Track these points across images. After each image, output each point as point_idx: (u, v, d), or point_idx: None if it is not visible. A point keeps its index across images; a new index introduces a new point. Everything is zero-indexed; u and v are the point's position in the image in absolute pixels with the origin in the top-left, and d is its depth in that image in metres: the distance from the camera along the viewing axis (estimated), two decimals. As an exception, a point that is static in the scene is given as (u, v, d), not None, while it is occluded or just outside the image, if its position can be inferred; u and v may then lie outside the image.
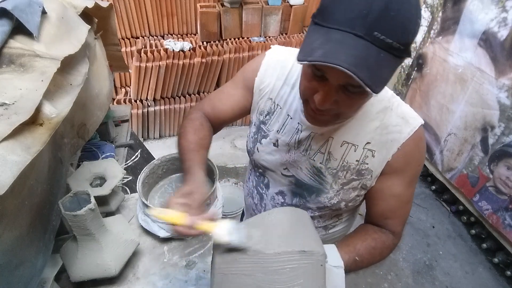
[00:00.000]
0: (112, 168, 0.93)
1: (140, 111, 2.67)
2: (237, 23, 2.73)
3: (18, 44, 0.66)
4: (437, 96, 2.26)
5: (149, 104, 2.68)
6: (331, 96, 0.56)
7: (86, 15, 1.01)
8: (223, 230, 0.57)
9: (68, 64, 0.76)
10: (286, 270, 0.53)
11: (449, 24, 2.14)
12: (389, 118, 0.69)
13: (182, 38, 2.76)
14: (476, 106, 1.98)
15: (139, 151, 1.27)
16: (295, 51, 0.76)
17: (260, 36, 2.86)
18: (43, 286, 0.70)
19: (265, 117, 0.81)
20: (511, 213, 1.83)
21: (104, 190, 0.86)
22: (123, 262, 0.75)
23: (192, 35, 2.85)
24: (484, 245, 2.09)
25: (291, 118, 0.76)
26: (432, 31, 2.29)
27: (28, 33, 0.69)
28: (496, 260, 2.00)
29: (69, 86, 0.74)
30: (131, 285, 0.78)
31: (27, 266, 0.61)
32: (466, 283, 1.97)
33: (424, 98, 2.38)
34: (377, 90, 0.48)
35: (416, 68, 2.47)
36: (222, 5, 2.68)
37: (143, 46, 2.49)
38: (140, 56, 2.38)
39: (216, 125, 0.89)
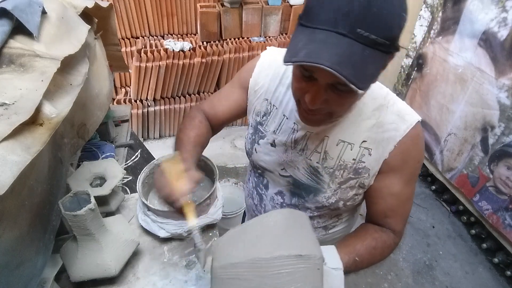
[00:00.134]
0: (112, 168, 0.93)
1: (140, 111, 2.67)
2: (237, 23, 2.73)
3: (18, 44, 0.66)
4: (437, 96, 2.26)
5: (149, 104, 2.68)
6: (321, 96, 0.56)
7: (86, 15, 1.01)
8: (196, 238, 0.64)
9: (68, 64, 0.76)
10: (283, 274, 0.52)
11: (449, 24, 2.14)
12: (384, 116, 0.69)
13: (182, 38, 2.76)
14: (476, 106, 1.98)
15: (139, 151, 1.27)
16: None
17: (260, 36, 2.86)
18: (43, 286, 0.70)
19: (262, 118, 0.82)
20: (511, 213, 1.83)
21: (104, 190, 0.86)
22: (123, 262, 0.75)
23: (192, 35, 2.85)
24: (484, 245, 2.09)
25: (287, 118, 0.77)
26: (432, 31, 2.29)
27: (28, 33, 0.69)
28: (496, 260, 2.00)
29: (69, 86, 0.74)
30: (131, 285, 0.78)
31: (27, 266, 0.61)
32: (466, 283, 1.97)
33: (424, 98, 2.38)
34: (363, 87, 0.48)
35: (416, 68, 2.47)
36: (222, 5, 2.68)
37: (143, 46, 2.49)
38: (140, 56, 2.38)
39: (216, 125, 0.89)
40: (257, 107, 0.83)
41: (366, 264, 0.70)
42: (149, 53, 2.39)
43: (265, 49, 0.85)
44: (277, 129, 0.79)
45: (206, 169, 0.94)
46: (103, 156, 1.16)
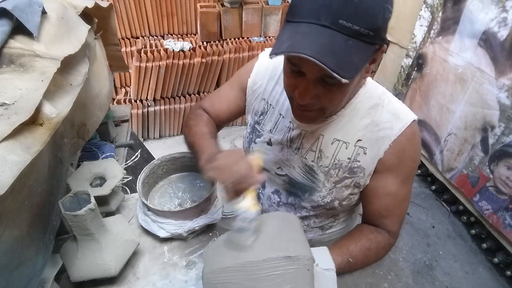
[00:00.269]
0: (112, 168, 0.93)
1: (140, 111, 2.67)
2: (237, 23, 2.73)
3: (18, 44, 0.66)
4: (437, 96, 2.26)
5: (149, 104, 2.68)
6: (310, 90, 0.57)
7: (86, 15, 1.01)
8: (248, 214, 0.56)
9: (68, 64, 0.76)
10: (273, 276, 0.52)
11: (449, 24, 2.14)
12: (380, 115, 0.69)
13: (182, 38, 2.76)
14: (476, 106, 1.97)
15: (139, 151, 1.27)
16: None
17: (260, 36, 2.86)
18: (43, 286, 0.70)
19: (259, 117, 0.83)
20: (511, 213, 1.83)
21: (104, 190, 0.86)
22: (123, 262, 0.75)
23: (192, 35, 2.85)
24: (484, 245, 2.08)
25: (283, 117, 0.77)
26: (432, 31, 2.29)
27: (28, 33, 0.69)
28: (496, 260, 2.00)
29: (69, 86, 0.74)
30: (131, 285, 0.78)
31: (27, 266, 0.61)
32: (466, 283, 1.97)
33: (424, 98, 2.38)
34: (346, 76, 0.48)
35: (416, 68, 2.47)
36: (222, 5, 2.68)
37: (143, 46, 2.49)
38: (140, 56, 2.38)
39: (216, 125, 0.90)
40: (255, 106, 0.83)
41: (361, 265, 0.70)
42: (149, 53, 2.39)
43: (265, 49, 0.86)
44: (273, 128, 0.79)
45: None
46: (103, 156, 1.16)
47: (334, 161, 0.72)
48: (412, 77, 2.52)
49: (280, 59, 0.78)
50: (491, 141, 1.91)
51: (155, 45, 2.54)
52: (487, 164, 1.95)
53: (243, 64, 2.67)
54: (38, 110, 0.57)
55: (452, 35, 2.11)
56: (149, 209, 0.83)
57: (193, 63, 2.55)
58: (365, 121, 0.69)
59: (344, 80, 0.48)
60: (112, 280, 0.76)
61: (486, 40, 1.88)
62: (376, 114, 0.69)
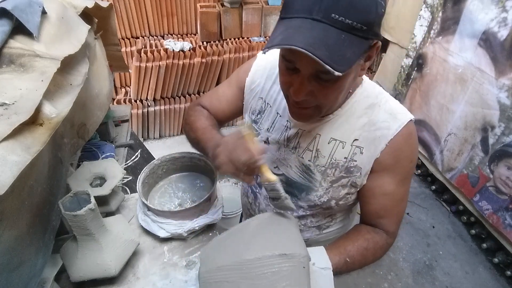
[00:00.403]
0: (112, 168, 0.93)
1: (140, 111, 2.67)
2: (237, 23, 2.73)
3: (18, 44, 0.66)
4: (437, 96, 2.26)
5: (149, 104, 2.68)
6: (305, 87, 0.57)
7: (86, 15, 1.01)
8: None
9: (68, 64, 0.76)
10: (268, 274, 0.52)
11: (449, 24, 2.14)
12: (377, 115, 0.69)
13: (182, 38, 2.76)
14: (476, 106, 1.97)
15: (139, 151, 1.27)
16: None
17: (260, 36, 2.86)
18: (43, 286, 0.70)
19: (257, 116, 0.83)
20: (511, 213, 1.83)
21: (104, 190, 0.86)
22: (123, 262, 0.75)
23: (192, 35, 2.85)
24: (484, 245, 2.09)
25: (280, 116, 0.77)
26: (432, 31, 2.29)
27: (28, 33, 0.69)
28: (496, 260, 2.00)
29: (69, 86, 0.74)
30: (131, 285, 0.78)
31: (27, 266, 0.61)
32: (466, 283, 1.97)
33: (424, 98, 2.38)
34: (340, 69, 0.48)
35: (416, 68, 2.47)
36: (222, 5, 2.68)
37: (143, 46, 2.49)
38: (140, 56, 2.38)
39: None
40: (253, 105, 0.84)
41: (358, 265, 0.70)
42: (149, 53, 2.39)
43: None
44: (270, 127, 0.79)
45: (206, 169, 0.95)
46: (103, 156, 1.16)
47: (330, 160, 0.72)
48: (412, 77, 2.52)
49: (277, 58, 0.78)
50: (491, 141, 1.91)
51: (155, 45, 2.54)
52: (487, 164, 1.95)
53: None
54: (38, 110, 0.57)
55: (452, 35, 2.11)
56: (149, 209, 0.83)
57: (193, 63, 2.55)
58: (362, 120, 0.69)
59: (337, 73, 0.48)
60: (112, 280, 0.76)
61: (486, 40, 1.88)
62: (373, 114, 0.69)
